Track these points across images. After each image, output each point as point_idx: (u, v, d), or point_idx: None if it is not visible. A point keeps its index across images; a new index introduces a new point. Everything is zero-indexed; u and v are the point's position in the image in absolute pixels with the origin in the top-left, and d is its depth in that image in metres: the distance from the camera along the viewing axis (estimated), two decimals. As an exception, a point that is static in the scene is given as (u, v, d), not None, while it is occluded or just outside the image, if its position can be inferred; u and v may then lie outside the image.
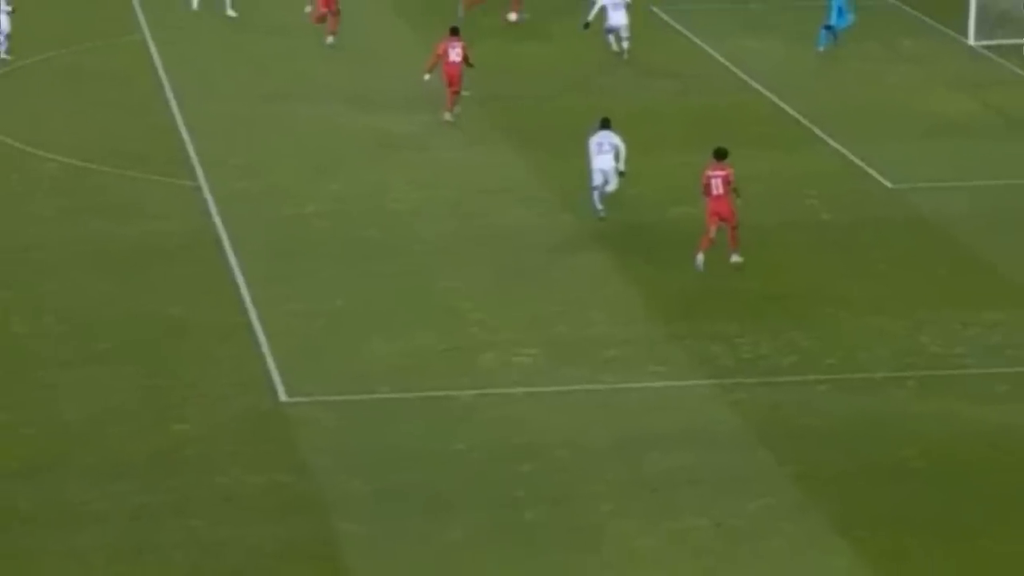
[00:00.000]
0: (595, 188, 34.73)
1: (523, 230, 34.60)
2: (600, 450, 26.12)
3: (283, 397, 27.68)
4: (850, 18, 45.84)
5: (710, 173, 32.71)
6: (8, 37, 44.21)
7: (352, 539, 23.76)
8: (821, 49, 45.66)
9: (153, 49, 46.13)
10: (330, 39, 45.95)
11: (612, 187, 34.74)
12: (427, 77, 40.80)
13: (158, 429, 26.70)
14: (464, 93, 40.71)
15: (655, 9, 49.19)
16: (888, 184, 37.05)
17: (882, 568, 23.09)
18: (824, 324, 30.26)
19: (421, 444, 26.33)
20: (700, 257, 32.35)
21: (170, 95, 42.51)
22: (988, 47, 46.52)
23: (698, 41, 46.67)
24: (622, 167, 34.65)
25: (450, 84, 40.48)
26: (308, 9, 46.90)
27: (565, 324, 30.29)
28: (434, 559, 23.34)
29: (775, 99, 42.24)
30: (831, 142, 39.40)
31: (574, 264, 33.04)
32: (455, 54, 40.46)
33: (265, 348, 29.25)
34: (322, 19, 46.25)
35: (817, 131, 40.08)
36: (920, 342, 29.63)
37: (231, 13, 48.27)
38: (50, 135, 39.40)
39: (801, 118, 40.83)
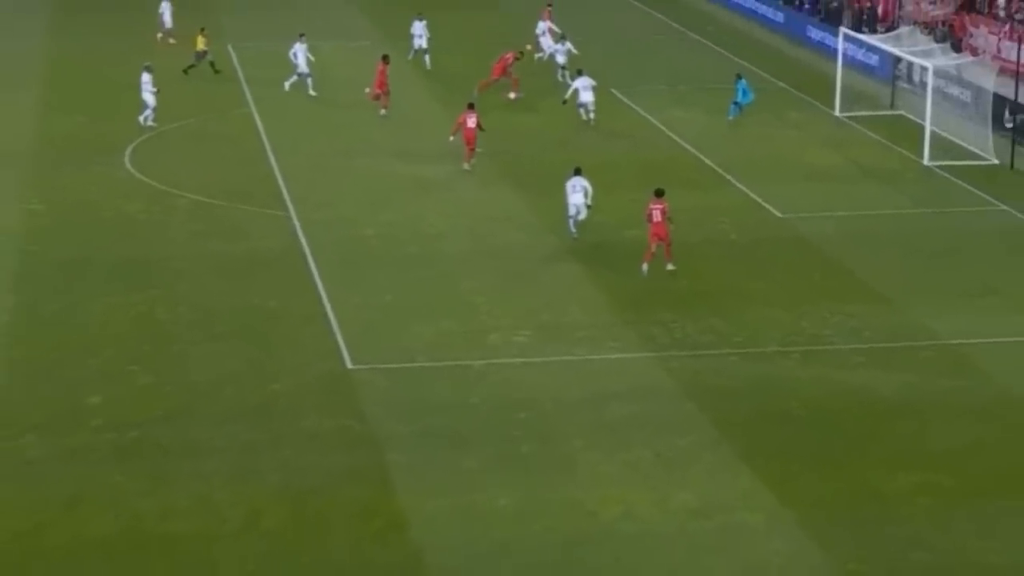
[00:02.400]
0: (570, 217, 34.56)
1: (519, 247, 34.46)
2: (573, 403, 26.01)
3: (349, 365, 27.56)
4: (751, 97, 45.73)
5: (652, 206, 32.51)
6: (154, 110, 44.12)
7: (397, 466, 23.68)
8: (730, 119, 45.53)
9: (257, 118, 46.03)
10: (383, 111, 45.71)
11: (582, 217, 34.59)
12: (451, 138, 40.66)
13: (260, 388, 26.61)
14: (478, 150, 40.59)
15: (613, 90, 49.14)
16: (778, 214, 36.88)
17: (774, 487, 23.02)
18: (733, 313, 30.11)
19: (446, 399, 26.23)
20: (645, 266, 32.19)
21: (269, 151, 42.41)
22: (849, 117, 46.40)
23: (643, 113, 46.54)
24: (589, 202, 34.48)
25: (467, 143, 40.32)
26: (367, 91, 46.63)
27: (549, 313, 30.16)
28: (456, 480, 23.25)
29: (698, 154, 42.10)
30: (737, 184, 39.24)
31: (555, 271, 32.92)
32: (471, 122, 40.26)
33: (336, 330, 29.12)
34: (377, 97, 46.04)
35: (728, 176, 39.93)
36: (801, 326, 29.49)
37: (312, 93, 48.10)
38: (182, 179, 39.25)
39: (716, 167, 40.74)
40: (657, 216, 32.38)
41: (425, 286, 31.70)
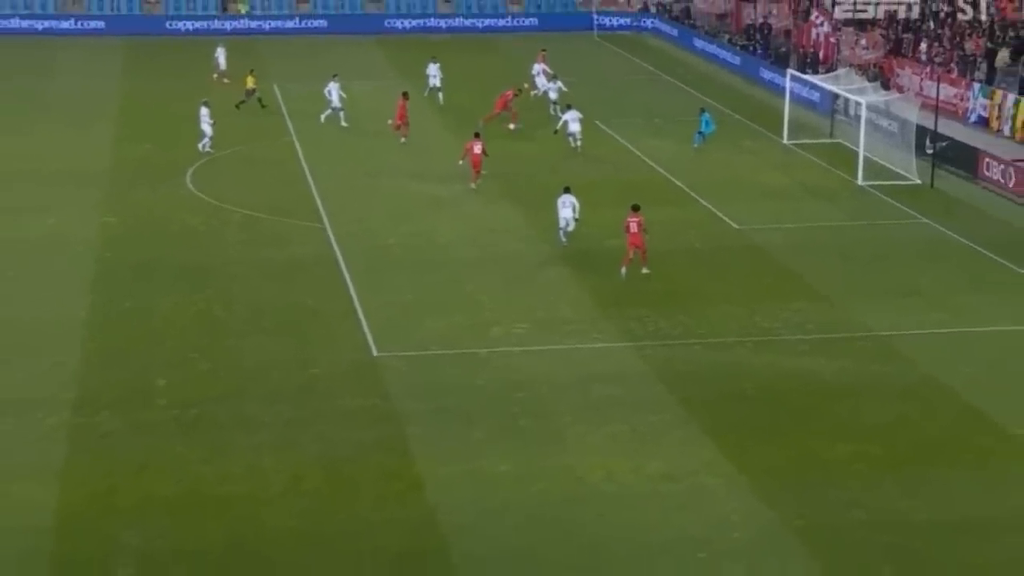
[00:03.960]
0: (560, 229, 34.60)
1: (518, 254, 34.43)
2: (564, 385, 26.02)
3: (375, 353, 27.53)
4: (713, 127, 45.72)
5: (629, 219, 32.52)
6: (211, 139, 44.12)
7: (415, 438, 23.69)
8: (695, 146, 45.49)
9: (297, 146, 46.03)
10: (402, 140, 45.52)
11: (571, 228, 34.58)
12: (460, 163, 40.58)
13: (301, 372, 26.60)
14: (483, 172, 40.59)
15: (597, 122, 49.13)
16: (736, 226, 36.85)
17: (732, 456, 23.06)
18: (698, 310, 30.10)
19: (456, 381, 26.23)
20: (623, 270, 32.18)
21: (307, 173, 42.40)
22: (795, 144, 46.40)
23: (623, 141, 46.56)
24: (577, 216, 34.49)
25: (473, 167, 40.21)
26: (390, 122, 46.37)
27: (543, 310, 30.14)
28: (464, 450, 23.28)
29: (669, 176, 42.09)
30: (702, 201, 39.20)
31: (548, 275, 32.90)
32: (477, 148, 40.16)
33: (364, 324, 29.10)
34: (398, 128, 45.89)
35: (693, 195, 39.89)
36: (755, 320, 29.48)
37: (344, 124, 47.99)
38: (235, 197, 39.20)
39: (684, 187, 40.75)
40: (633, 228, 32.41)
41: (438, 287, 31.68)
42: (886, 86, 48.54)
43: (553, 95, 49.55)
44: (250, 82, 50.67)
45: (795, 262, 33.85)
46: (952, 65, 48.05)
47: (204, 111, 44.08)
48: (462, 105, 50.60)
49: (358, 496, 21.80)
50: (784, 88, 49.14)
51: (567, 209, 34.47)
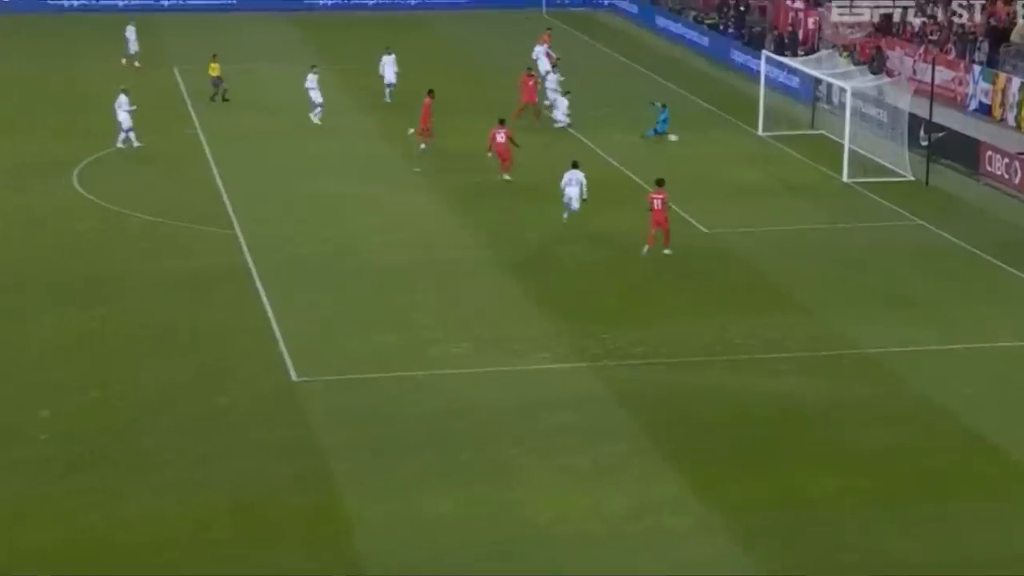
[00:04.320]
0: (565, 206, 35.79)
1: (457, 263, 34.49)
2: (509, 411, 26.12)
3: (294, 377, 27.52)
4: (665, 127, 46.12)
5: (652, 195, 34.40)
6: (131, 130, 43.64)
7: (342, 475, 23.69)
8: (645, 136, 45.48)
9: (203, 139, 45.84)
10: (423, 147, 43.53)
11: (575, 207, 35.75)
12: (489, 155, 40.38)
13: (208, 400, 26.50)
14: (417, 169, 40.62)
15: (544, 112, 49.39)
16: (704, 229, 37.14)
17: (699, 490, 23.24)
18: (661, 324, 30.31)
19: (388, 409, 26.25)
20: (646, 249, 33.91)
21: (215, 171, 42.22)
22: (771, 137, 46.84)
23: (574, 132, 46.74)
24: (585, 195, 35.73)
25: (500, 157, 40.37)
26: (411, 131, 43.77)
27: (485, 327, 30.22)
28: (397, 487, 23.30)
29: (628, 172, 42.34)
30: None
31: (491, 286, 32.97)
32: (500, 136, 40.34)
33: (282, 344, 29.05)
34: (422, 133, 43.75)
35: (656, 194, 40.12)
36: (726, 336, 29.72)
37: (317, 121, 46.59)
38: (130, 198, 38.98)
39: (646, 186, 40.81)
40: (657, 204, 34.01)
41: (366, 301, 31.70)
42: (875, 70, 49.14)
43: (552, 83, 49.33)
44: (214, 70, 49.75)
45: (772, 270, 34.17)
46: (949, 45, 48.71)
47: (123, 99, 43.65)
48: (396, 92, 50.58)
49: (277, 543, 21.76)
50: (758, 72, 49.63)
51: (573, 187, 35.52)
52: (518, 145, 40.57)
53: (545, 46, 52.72)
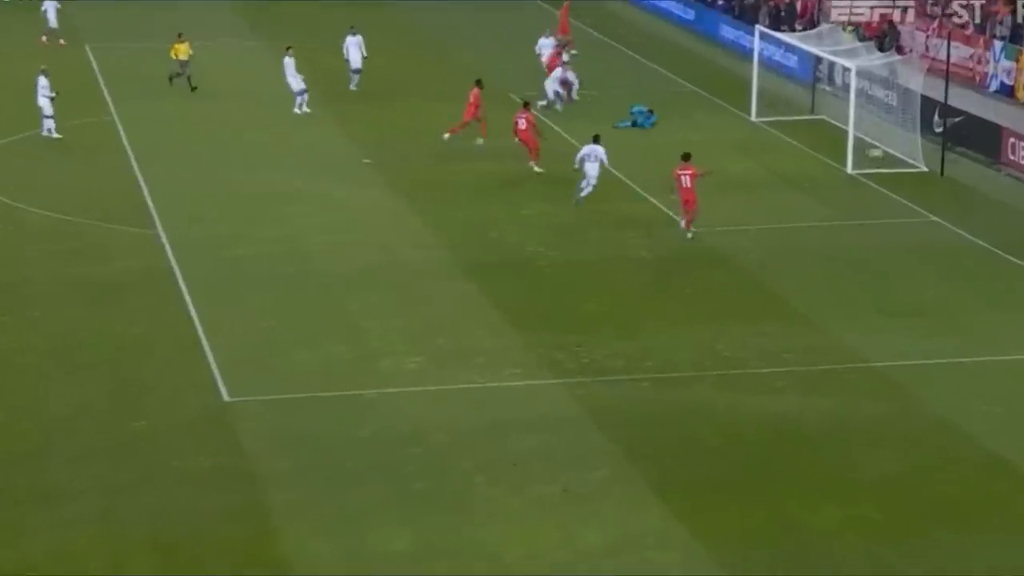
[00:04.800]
0: (581, 188, 37.25)
1: (412, 265, 34.53)
2: (472, 435, 26.14)
3: (226, 397, 27.47)
4: (653, 119, 46.31)
5: (679, 171, 35.58)
6: (52, 118, 43.47)
7: (279, 506, 23.65)
8: (616, 127, 45.59)
9: (119, 126, 45.72)
10: (480, 141, 43.29)
11: (592, 190, 37.21)
12: (516, 141, 41.11)
13: (125, 424, 26.42)
14: (367, 160, 40.55)
15: (512, 96, 49.56)
16: (691, 228, 37.31)
17: (687, 521, 23.29)
18: (644, 335, 30.43)
19: (334, 432, 26.24)
20: (685, 229, 35.69)
21: (133, 162, 42.13)
22: (766, 122, 47.05)
23: (544, 119, 46.81)
24: (606, 161, 37.52)
25: (526, 145, 40.95)
26: (446, 136, 43.24)
27: (445, 337, 30.27)
28: (343, 521, 23.27)
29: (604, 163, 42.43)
30: (647, 196, 39.59)
31: (452, 291, 33.02)
32: (522, 123, 40.91)
33: (211, 359, 29.01)
34: (466, 125, 43.56)
35: (635, 188, 40.27)
36: (716, 348, 29.85)
37: (304, 111, 46.46)
38: (35, 193, 38.89)
39: (623, 178, 40.94)
40: (687, 181, 34.97)
41: (309, 309, 31.70)
42: (883, 47, 49.42)
43: (565, 56, 49.76)
44: (182, 51, 49.34)
45: (767, 273, 34.34)
46: (967, 18, 49.01)
47: (43, 81, 43.51)
48: (340, 71, 50.61)
49: (204, 584, 21.72)
50: (751, 50, 49.87)
51: (594, 164, 36.67)
52: (544, 136, 41.39)
53: (552, 39, 52.09)
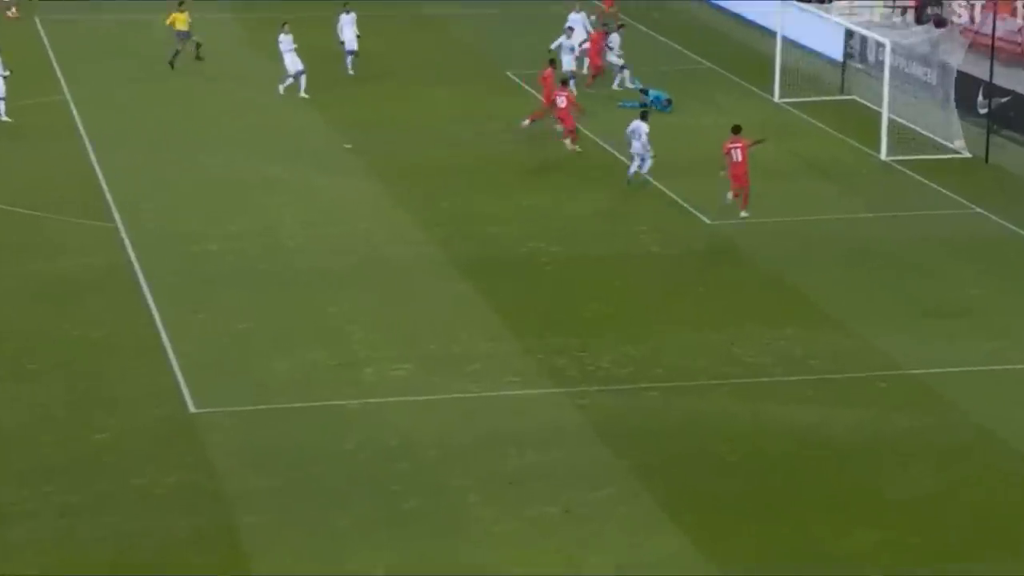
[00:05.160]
0: (633, 168, 38.73)
1: (399, 262, 34.58)
2: (465, 449, 26.20)
3: (192, 408, 27.50)
4: (669, 110, 46.37)
5: (730, 145, 36.55)
6: (2, 99, 43.61)
7: (252, 529, 23.67)
8: (623, 106, 45.73)
9: (73, 107, 45.76)
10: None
11: (637, 167, 38.29)
12: (526, 123, 42.19)
13: (81, 437, 26.46)
14: (349, 145, 40.69)
15: (509, 74, 49.51)
16: (706, 220, 37.36)
17: (701, 545, 23.32)
18: (654, 339, 30.48)
19: (313, 447, 26.27)
20: (729, 194, 36.70)
21: (89, 148, 42.16)
22: (790, 103, 47.09)
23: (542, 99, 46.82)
24: (644, 140, 38.58)
25: (563, 124, 41.64)
26: (525, 122, 43.11)
27: (436, 342, 30.32)
28: (325, 545, 23.31)
29: (607, 147, 42.45)
30: (657, 184, 39.60)
31: (443, 291, 33.08)
32: (562, 100, 41.62)
33: (176, 366, 29.05)
34: (537, 119, 43.54)
35: (648, 178, 40.22)
36: (734, 353, 29.91)
37: (303, 95, 46.69)
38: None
39: (626, 160, 41.05)
40: (738, 156, 35.69)
41: (285, 310, 31.76)
42: (920, 19, 49.46)
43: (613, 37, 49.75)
44: (180, 21, 49.23)
45: (791, 270, 34.40)
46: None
47: None
48: (330, 51, 50.68)
49: (169, 615, 21.80)
50: (774, 24, 49.89)
51: (637, 142, 38.02)
52: (583, 110, 42.03)
53: (582, 14, 52.05)
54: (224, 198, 38.54)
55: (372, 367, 29.21)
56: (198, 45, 49.44)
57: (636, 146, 38.90)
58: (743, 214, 36.53)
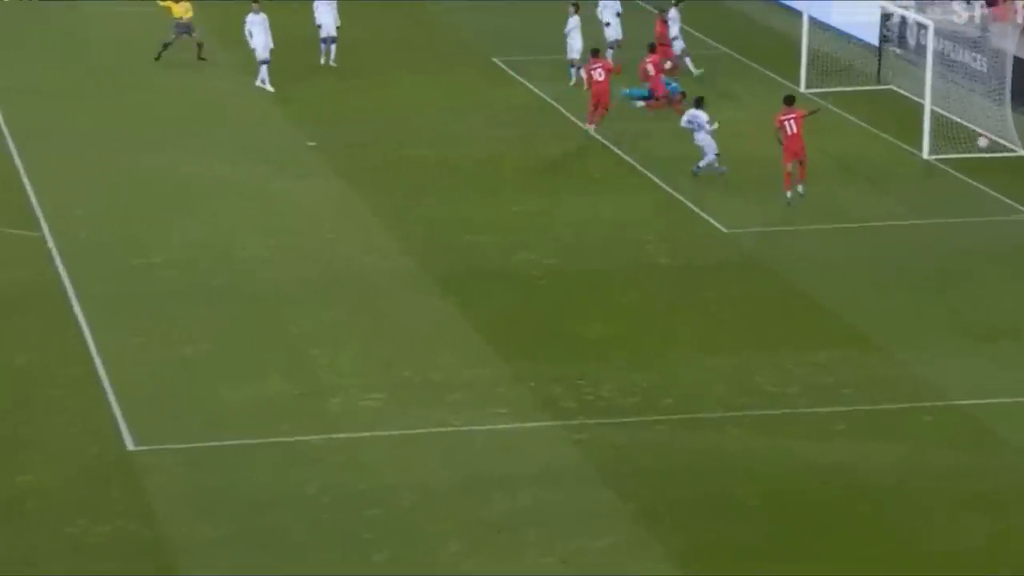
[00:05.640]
0: (705, 161, 40.11)
1: (370, 276, 34.62)
2: (446, 491, 26.16)
3: (131, 446, 27.41)
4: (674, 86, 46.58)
5: (783, 117, 38.17)
6: None
7: (201, 584, 23.72)
8: (626, 97, 45.96)
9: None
10: (590, 128, 43.85)
11: (708, 158, 39.98)
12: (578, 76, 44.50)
13: (2, 481, 26.37)
14: (312, 143, 40.68)
15: (496, 60, 49.56)
16: (723, 228, 37.40)
17: (721, 603, 23.41)
18: (662, 365, 30.49)
19: (270, 489, 26.21)
20: (788, 194, 38.16)
21: (11, 146, 42.19)
22: (819, 94, 47.13)
23: (534, 88, 47.01)
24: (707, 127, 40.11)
25: (594, 100, 43.00)
26: (590, 127, 43.77)
27: (411, 368, 30.29)
28: (283, 603, 23.37)
29: (608, 144, 42.57)
30: (665, 187, 39.71)
31: (420, 309, 33.07)
32: (599, 73, 42.80)
33: (112, 397, 28.98)
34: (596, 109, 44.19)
35: (652, 176, 40.37)
36: (755, 381, 29.91)
37: (268, 88, 47.12)
38: None
39: (635, 164, 41.18)
40: (792, 127, 37.63)
41: (239, 332, 31.79)
42: (968, -2, 49.56)
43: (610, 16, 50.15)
44: (181, 9, 48.86)
45: (820, 286, 34.43)
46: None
47: None
48: (304, 36, 50.73)
49: None
50: (800, 3, 49.94)
51: (700, 133, 39.49)
52: (618, 71, 43.65)
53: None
54: (167, 203, 38.51)
55: (339, 396, 29.16)
56: (200, 45, 49.14)
57: (701, 137, 40.01)
58: (800, 188, 38.09)
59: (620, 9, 50.24)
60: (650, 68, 45.25)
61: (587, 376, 29.99)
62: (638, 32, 49.88)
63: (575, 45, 47.75)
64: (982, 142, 42.87)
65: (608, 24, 49.44)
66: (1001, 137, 42.87)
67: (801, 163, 38.38)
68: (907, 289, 34.46)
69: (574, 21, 48.28)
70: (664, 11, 50.84)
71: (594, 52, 44.66)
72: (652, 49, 46.61)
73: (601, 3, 49.91)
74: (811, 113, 39.22)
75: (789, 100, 39.15)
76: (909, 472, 26.99)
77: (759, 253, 36.16)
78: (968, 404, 29.23)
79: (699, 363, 30.62)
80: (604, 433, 28.06)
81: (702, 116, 40.32)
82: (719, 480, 26.61)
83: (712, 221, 37.74)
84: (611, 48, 48.48)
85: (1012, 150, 42.55)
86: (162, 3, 49.23)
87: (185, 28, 49.01)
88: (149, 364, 30.44)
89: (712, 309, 33.29)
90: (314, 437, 27.81)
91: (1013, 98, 43.38)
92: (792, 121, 38.19)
